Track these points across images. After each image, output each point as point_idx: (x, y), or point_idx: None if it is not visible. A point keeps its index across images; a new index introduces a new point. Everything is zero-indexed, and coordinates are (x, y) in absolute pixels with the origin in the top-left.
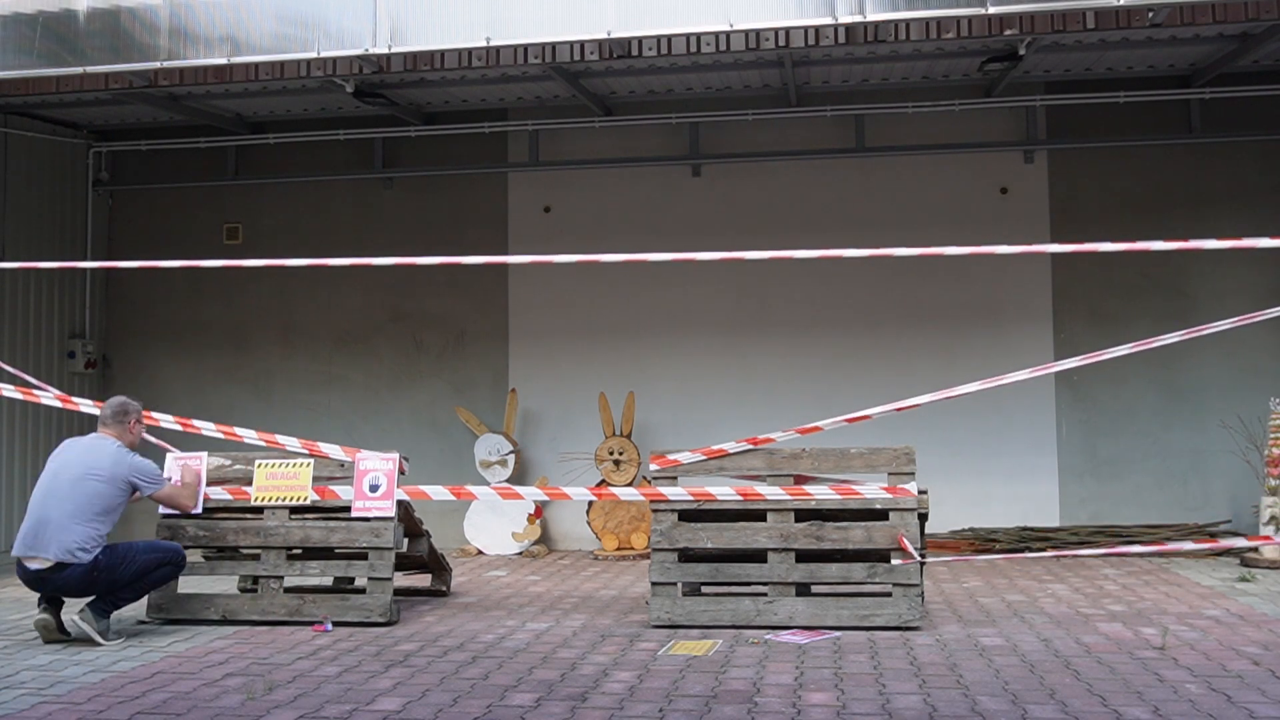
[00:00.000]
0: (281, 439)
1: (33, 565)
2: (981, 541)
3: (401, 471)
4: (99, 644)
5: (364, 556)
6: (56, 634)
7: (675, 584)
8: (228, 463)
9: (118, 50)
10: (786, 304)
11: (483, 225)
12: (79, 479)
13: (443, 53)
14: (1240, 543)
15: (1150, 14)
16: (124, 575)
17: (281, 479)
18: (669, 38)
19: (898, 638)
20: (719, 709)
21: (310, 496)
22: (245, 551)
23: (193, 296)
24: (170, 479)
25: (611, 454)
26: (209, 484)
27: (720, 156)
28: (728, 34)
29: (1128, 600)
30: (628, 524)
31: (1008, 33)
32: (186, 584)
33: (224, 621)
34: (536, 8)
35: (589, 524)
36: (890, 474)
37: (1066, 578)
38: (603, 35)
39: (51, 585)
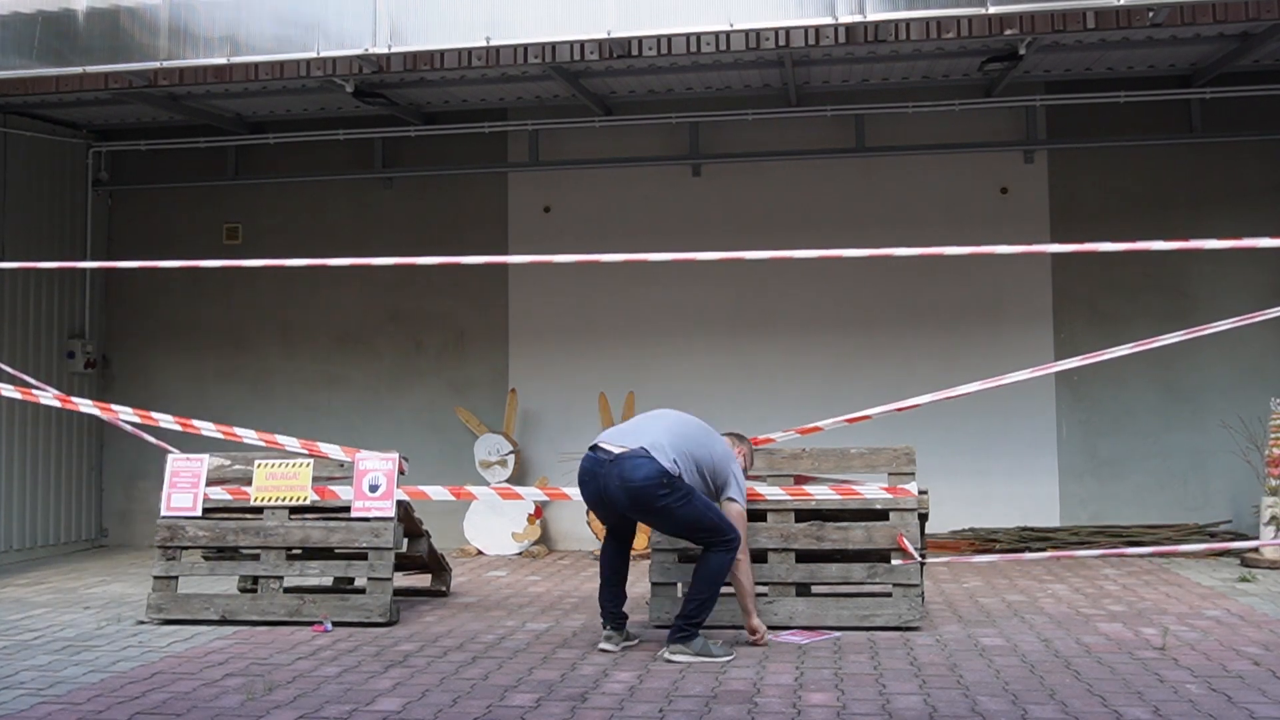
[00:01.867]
0: (281, 439)
1: None
2: (981, 541)
3: (401, 471)
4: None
5: (364, 556)
6: None
7: (675, 584)
8: (228, 463)
9: (117, 50)
10: (786, 304)
11: (483, 225)
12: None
13: (443, 53)
14: (1241, 544)
15: (1150, 14)
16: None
17: (281, 479)
18: (669, 38)
19: (898, 638)
20: (719, 709)
21: (310, 496)
22: (245, 551)
23: (192, 296)
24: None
25: None
26: (209, 484)
27: (720, 156)
28: (728, 34)
29: (1128, 600)
30: None
31: (1008, 33)
32: (186, 584)
33: (224, 621)
34: (536, 7)
35: (589, 524)
36: (890, 474)
37: (1066, 578)
38: (603, 35)
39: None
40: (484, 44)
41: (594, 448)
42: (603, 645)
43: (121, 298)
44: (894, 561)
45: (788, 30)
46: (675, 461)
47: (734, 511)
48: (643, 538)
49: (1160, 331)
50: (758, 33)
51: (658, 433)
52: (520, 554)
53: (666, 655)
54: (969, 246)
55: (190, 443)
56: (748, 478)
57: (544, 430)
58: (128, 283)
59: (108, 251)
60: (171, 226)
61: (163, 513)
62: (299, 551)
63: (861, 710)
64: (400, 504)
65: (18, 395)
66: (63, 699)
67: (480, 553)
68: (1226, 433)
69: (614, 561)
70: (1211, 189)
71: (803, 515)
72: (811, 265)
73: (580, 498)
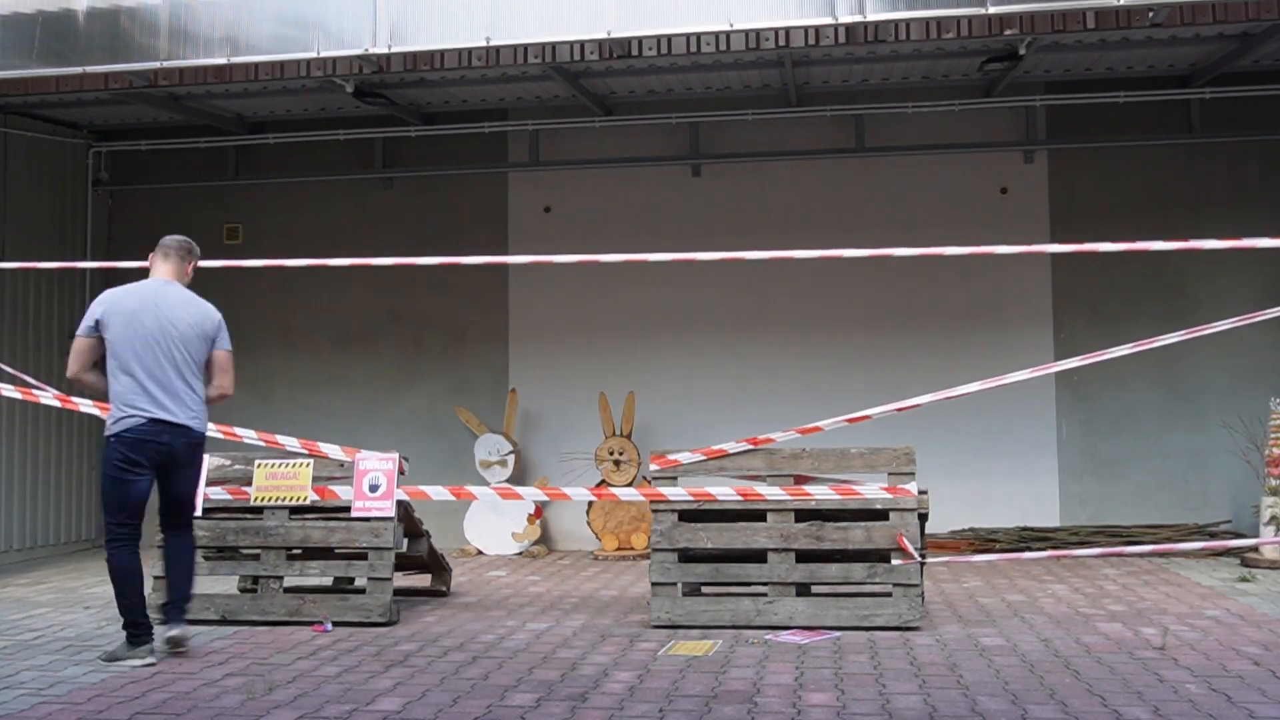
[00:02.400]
0: (281, 439)
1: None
2: (981, 541)
3: (401, 471)
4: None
5: (364, 556)
6: None
7: (675, 584)
8: (228, 463)
9: (117, 50)
10: (786, 304)
11: (483, 225)
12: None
13: (443, 53)
14: (1241, 543)
15: (1150, 14)
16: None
17: (281, 479)
18: (669, 38)
19: (898, 638)
20: (719, 709)
21: (310, 496)
22: (245, 551)
23: None
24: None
25: (611, 454)
26: (209, 484)
27: (720, 156)
28: (728, 34)
29: (1128, 600)
30: (628, 524)
31: (1008, 33)
32: None
33: (224, 621)
34: (536, 7)
35: (589, 524)
36: (890, 474)
37: (1066, 578)
38: (603, 35)
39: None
40: (484, 44)
41: (153, 418)
42: (150, 660)
43: None
44: (894, 561)
45: (788, 30)
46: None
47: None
48: (643, 538)
49: (1160, 331)
50: (758, 33)
51: (188, 395)
52: (520, 554)
53: (172, 633)
54: (969, 246)
55: None
56: (749, 477)
57: (544, 430)
58: (127, 283)
59: (108, 251)
60: (171, 227)
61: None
62: (299, 551)
63: (861, 710)
64: (400, 504)
65: (18, 395)
66: (63, 699)
67: (480, 553)
68: (1226, 433)
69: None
70: (1211, 189)
71: (803, 515)
72: (811, 265)
73: (580, 497)
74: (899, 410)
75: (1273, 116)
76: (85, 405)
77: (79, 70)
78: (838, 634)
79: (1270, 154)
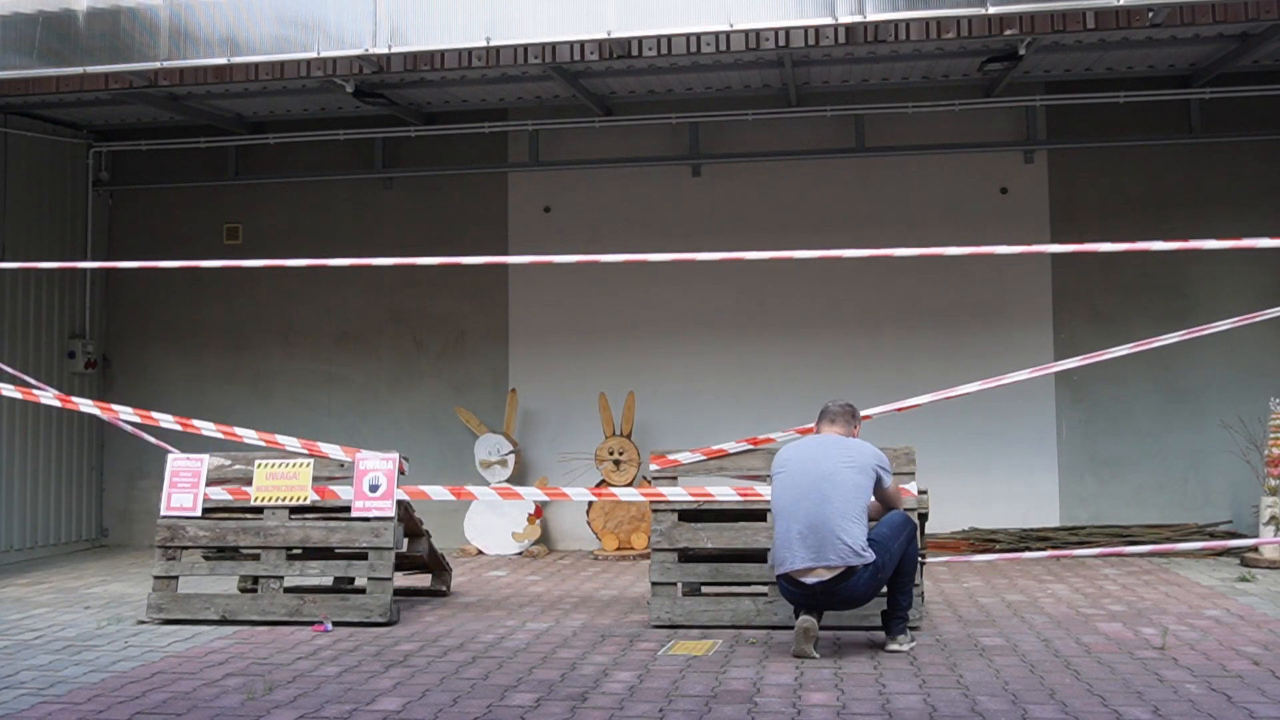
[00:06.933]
0: (281, 439)
1: (810, 580)
2: (981, 541)
3: (401, 471)
4: (902, 652)
5: (364, 556)
6: (812, 648)
7: (675, 584)
8: (228, 463)
9: (118, 50)
10: (786, 304)
11: (483, 225)
12: (832, 473)
13: (443, 53)
14: (1240, 543)
15: (1150, 14)
16: (891, 571)
17: (281, 479)
18: (669, 38)
19: None
20: (719, 709)
21: (310, 496)
22: (245, 551)
23: (193, 297)
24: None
25: (611, 454)
26: (209, 484)
27: (720, 156)
28: (728, 34)
29: (1128, 600)
30: (628, 524)
31: (1008, 33)
32: (186, 584)
33: (224, 621)
34: (536, 8)
35: (589, 524)
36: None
37: (1066, 578)
38: (603, 35)
39: (834, 598)
40: (484, 44)
41: None
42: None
43: (121, 298)
44: None
45: (787, 30)
46: (865, 547)
47: (893, 491)
48: (643, 538)
49: (1160, 331)
50: (758, 33)
51: (842, 529)
52: (520, 554)
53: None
54: (969, 246)
55: (190, 443)
56: (749, 477)
57: (544, 430)
58: (128, 283)
59: (108, 251)
60: (172, 226)
61: (163, 513)
62: (299, 551)
63: (861, 710)
64: (400, 504)
65: (18, 395)
66: (63, 699)
67: (480, 552)
68: (1226, 433)
69: None
70: (1211, 189)
71: None
72: (811, 265)
73: (580, 497)
74: (899, 410)
75: (1273, 116)
76: (85, 405)
77: (79, 70)
78: (838, 634)
79: (1270, 154)
